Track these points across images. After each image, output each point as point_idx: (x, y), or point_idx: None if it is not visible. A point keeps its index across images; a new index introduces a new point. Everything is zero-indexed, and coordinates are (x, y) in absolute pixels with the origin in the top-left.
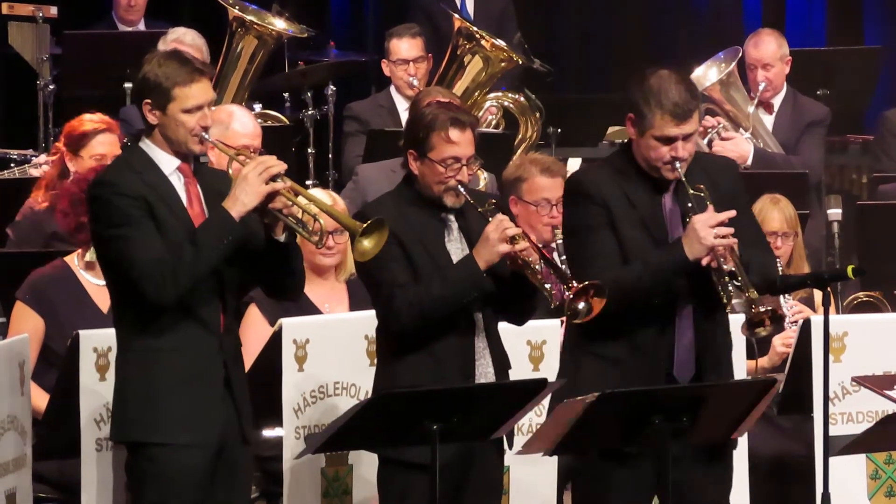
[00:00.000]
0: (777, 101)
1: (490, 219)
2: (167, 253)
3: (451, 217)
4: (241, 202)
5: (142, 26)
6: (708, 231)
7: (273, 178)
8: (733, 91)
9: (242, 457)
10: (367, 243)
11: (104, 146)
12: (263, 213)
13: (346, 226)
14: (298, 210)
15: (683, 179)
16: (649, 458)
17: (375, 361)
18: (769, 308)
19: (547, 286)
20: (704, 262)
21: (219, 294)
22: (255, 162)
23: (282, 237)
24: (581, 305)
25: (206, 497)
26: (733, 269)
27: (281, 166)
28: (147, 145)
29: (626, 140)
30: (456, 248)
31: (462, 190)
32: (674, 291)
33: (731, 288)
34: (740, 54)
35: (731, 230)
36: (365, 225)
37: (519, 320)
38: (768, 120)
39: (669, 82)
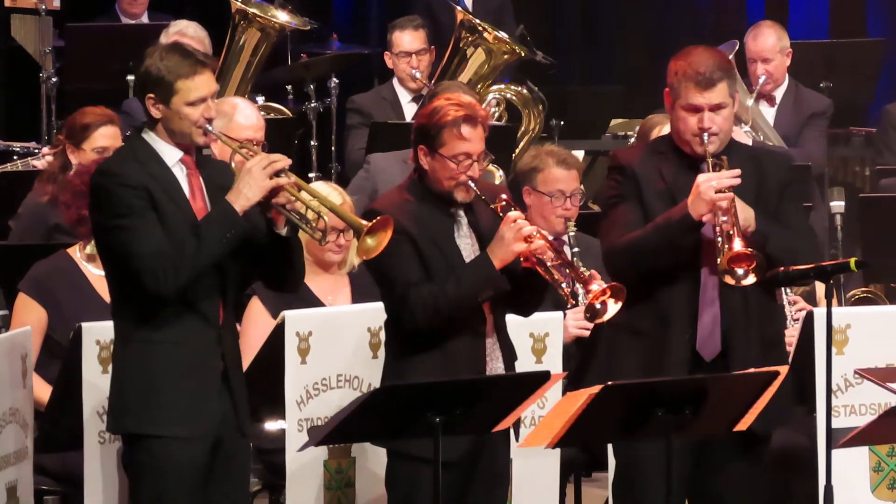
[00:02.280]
0: (779, 94)
1: (502, 216)
2: (169, 245)
3: (461, 212)
4: (244, 196)
5: (145, 19)
6: (709, 187)
7: (277, 174)
8: None
9: (240, 450)
10: (370, 241)
11: (106, 139)
12: (266, 207)
13: (351, 223)
14: (302, 206)
15: (708, 153)
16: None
17: (379, 354)
18: (747, 252)
19: (563, 285)
20: (705, 219)
21: (219, 288)
22: (259, 156)
23: (283, 231)
24: (598, 306)
25: (204, 490)
26: (731, 229)
27: (285, 161)
28: (150, 137)
29: (629, 132)
30: (466, 243)
31: (473, 185)
32: (682, 251)
33: (724, 244)
34: (737, 47)
35: (736, 173)
36: (370, 224)
37: (526, 313)
38: (770, 112)
39: (699, 54)
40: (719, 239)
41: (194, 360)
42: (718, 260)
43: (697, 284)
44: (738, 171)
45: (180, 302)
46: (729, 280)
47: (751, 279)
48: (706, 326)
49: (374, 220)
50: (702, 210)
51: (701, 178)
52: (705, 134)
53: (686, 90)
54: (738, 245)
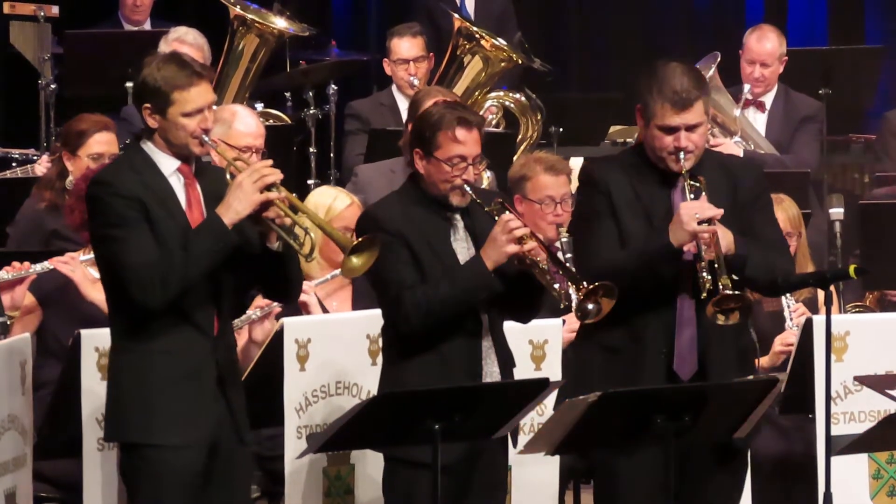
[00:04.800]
0: (769, 99)
1: (497, 218)
2: (158, 257)
3: (457, 216)
4: (233, 210)
5: (147, 26)
6: (691, 218)
7: (268, 188)
8: (717, 96)
9: (239, 457)
10: (356, 261)
11: (101, 145)
12: (257, 220)
13: (337, 241)
14: (291, 221)
15: (684, 171)
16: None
17: (378, 361)
18: (735, 294)
19: (556, 286)
20: (686, 248)
21: (213, 298)
22: (251, 169)
23: (275, 246)
24: (591, 306)
25: (202, 497)
26: (713, 259)
27: (276, 176)
28: (148, 146)
29: (628, 139)
30: (462, 247)
31: (468, 189)
32: (662, 277)
33: (707, 277)
34: (718, 59)
35: (719, 213)
36: (356, 243)
37: (524, 319)
38: (761, 118)
39: (673, 72)
40: (704, 274)
41: (188, 368)
42: (703, 295)
43: (673, 304)
44: (721, 211)
45: (174, 312)
46: (720, 320)
47: (737, 318)
48: (684, 346)
49: (360, 240)
50: (683, 240)
51: (683, 208)
52: (681, 152)
53: (662, 111)
54: (724, 287)
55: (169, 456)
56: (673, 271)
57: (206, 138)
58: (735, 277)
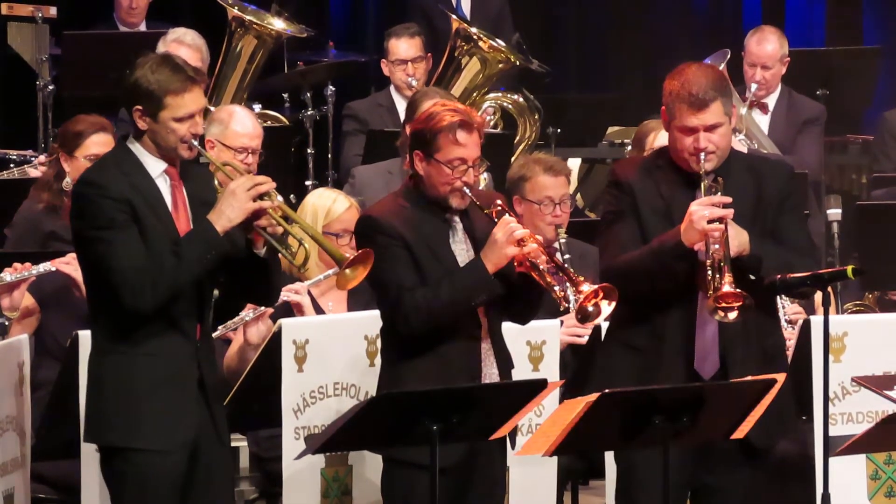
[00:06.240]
0: (771, 101)
1: (497, 221)
2: (148, 262)
3: (456, 218)
4: (226, 217)
5: (143, 27)
6: (701, 217)
7: (261, 196)
8: None
9: (219, 459)
10: (349, 273)
11: (98, 146)
12: (247, 227)
13: (331, 254)
14: (283, 230)
15: (703, 172)
16: (685, 452)
17: (376, 362)
18: (736, 292)
19: (556, 288)
20: (697, 247)
21: (197, 302)
22: (244, 178)
23: (261, 252)
24: (591, 308)
25: (185, 500)
26: (720, 257)
27: (270, 185)
28: (136, 147)
29: (625, 140)
30: (461, 248)
31: (468, 191)
32: (677, 276)
33: (714, 275)
34: (728, 56)
35: (728, 213)
36: (351, 258)
37: (523, 320)
38: (764, 120)
39: (693, 74)
40: (709, 272)
41: (170, 370)
42: (709, 293)
43: (694, 303)
44: (729, 200)
45: (158, 315)
46: (718, 316)
47: (737, 315)
48: (704, 345)
49: (355, 255)
50: (694, 239)
51: (693, 206)
52: (702, 153)
53: (680, 111)
54: (726, 285)
55: (154, 460)
56: (689, 269)
57: (195, 143)
58: (752, 277)
